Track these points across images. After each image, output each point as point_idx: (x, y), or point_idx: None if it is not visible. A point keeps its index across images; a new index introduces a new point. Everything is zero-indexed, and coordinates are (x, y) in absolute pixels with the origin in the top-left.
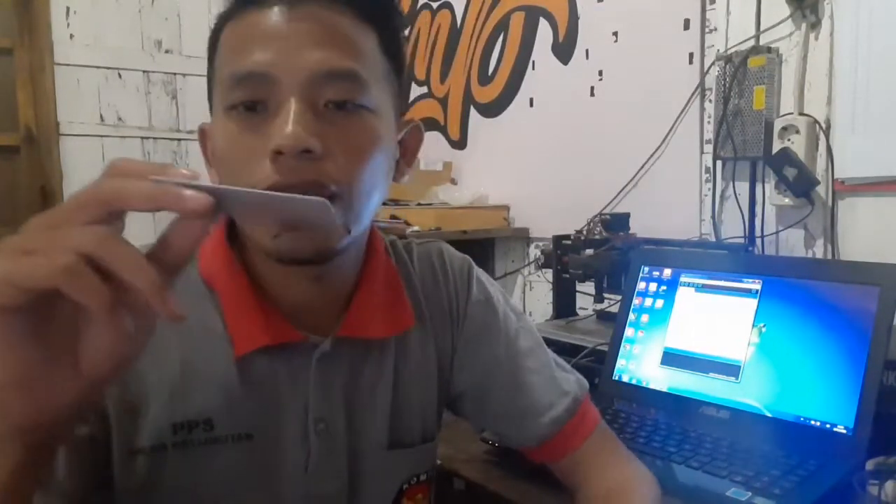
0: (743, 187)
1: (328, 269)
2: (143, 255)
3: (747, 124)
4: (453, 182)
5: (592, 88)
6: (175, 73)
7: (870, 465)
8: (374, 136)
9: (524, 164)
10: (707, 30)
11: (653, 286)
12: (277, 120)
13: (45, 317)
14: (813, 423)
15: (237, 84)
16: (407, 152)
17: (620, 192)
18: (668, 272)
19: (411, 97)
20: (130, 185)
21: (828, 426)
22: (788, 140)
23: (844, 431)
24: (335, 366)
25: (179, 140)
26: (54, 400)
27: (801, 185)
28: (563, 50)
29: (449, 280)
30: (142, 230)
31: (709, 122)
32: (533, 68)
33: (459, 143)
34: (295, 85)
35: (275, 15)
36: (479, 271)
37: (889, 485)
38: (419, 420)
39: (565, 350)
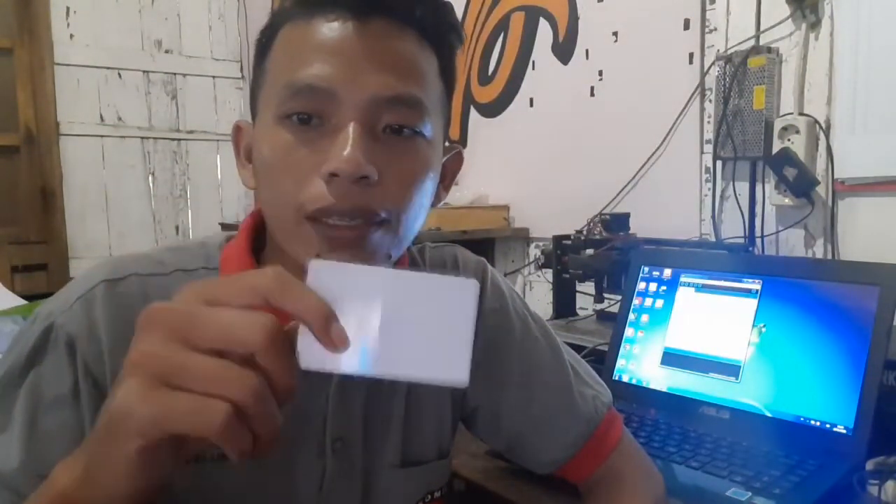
0: (743, 187)
1: None
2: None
3: (747, 124)
4: (454, 182)
5: (592, 88)
6: (175, 73)
7: (870, 465)
8: (427, 164)
9: (524, 164)
10: (707, 30)
11: (653, 286)
12: (335, 141)
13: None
14: (813, 423)
15: (295, 94)
16: (446, 176)
17: (620, 192)
18: (668, 272)
19: None
20: (293, 288)
21: (828, 426)
22: (788, 140)
23: (844, 431)
24: (355, 385)
25: (179, 140)
26: (160, 479)
27: (801, 185)
28: (563, 50)
29: None
30: (143, 238)
31: (709, 122)
32: (533, 68)
33: (459, 144)
34: (356, 106)
35: (343, 29)
36: (494, 275)
37: (889, 485)
38: (434, 437)
39: None
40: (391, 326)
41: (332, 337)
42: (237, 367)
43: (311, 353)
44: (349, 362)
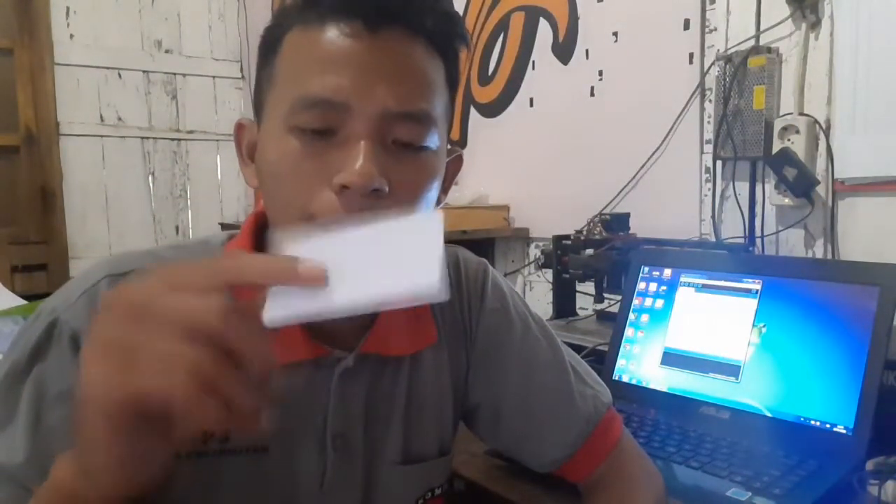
0: (743, 187)
1: None
2: (249, 377)
3: (747, 124)
4: (454, 183)
5: (592, 88)
6: (175, 73)
7: (870, 465)
8: (434, 173)
9: (524, 164)
10: (707, 30)
11: (653, 286)
12: (347, 152)
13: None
14: (813, 423)
15: (310, 107)
16: (446, 179)
17: (620, 192)
18: (668, 272)
19: None
20: (246, 260)
21: (828, 426)
22: (788, 140)
23: (844, 431)
24: (356, 381)
25: (179, 140)
26: (150, 469)
27: (801, 185)
28: (563, 50)
29: (463, 289)
30: (143, 238)
31: (709, 122)
32: (533, 68)
33: (459, 143)
34: (369, 118)
35: (355, 38)
36: (495, 276)
37: (889, 485)
38: (435, 434)
39: None
40: (360, 265)
41: (306, 276)
42: (192, 343)
43: (283, 306)
44: (324, 303)
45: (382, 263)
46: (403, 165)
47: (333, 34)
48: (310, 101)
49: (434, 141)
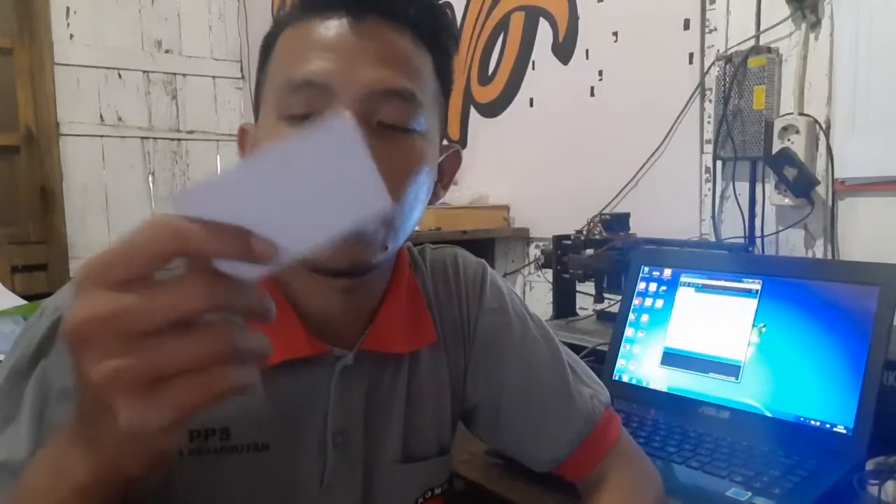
0: (743, 187)
1: (358, 282)
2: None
3: (747, 124)
4: (453, 182)
5: (592, 88)
6: (175, 73)
7: (870, 465)
8: (421, 159)
9: (524, 164)
10: (707, 30)
11: (653, 286)
12: None
13: None
14: (813, 423)
15: (293, 91)
16: (444, 175)
17: (620, 192)
18: (668, 272)
19: None
20: (197, 235)
21: (828, 426)
22: (788, 140)
23: (844, 431)
24: (356, 379)
25: (179, 140)
26: (161, 455)
27: (801, 185)
28: (563, 50)
29: (462, 289)
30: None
31: (709, 122)
32: (533, 68)
33: (459, 143)
34: (351, 99)
35: (338, 28)
36: (493, 277)
37: (889, 485)
38: (434, 433)
39: None
40: (296, 199)
41: (258, 253)
42: (202, 331)
43: (246, 269)
44: (283, 256)
45: (318, 193)
46: (388, 146)
47: (318, 25)
48: (294, 85)
49: (421, 124)
